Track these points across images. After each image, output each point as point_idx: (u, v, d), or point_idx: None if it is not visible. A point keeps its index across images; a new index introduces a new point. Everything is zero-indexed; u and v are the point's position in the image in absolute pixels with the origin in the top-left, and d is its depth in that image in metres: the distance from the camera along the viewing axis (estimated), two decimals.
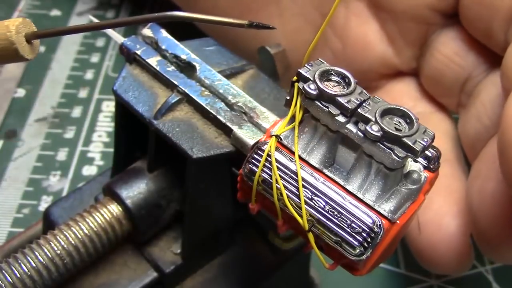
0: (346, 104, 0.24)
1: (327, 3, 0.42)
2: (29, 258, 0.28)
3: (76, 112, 0.51)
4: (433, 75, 0.40)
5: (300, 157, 0.25)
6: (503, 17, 0.34)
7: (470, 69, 0.38)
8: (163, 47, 0.31)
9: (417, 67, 0.42)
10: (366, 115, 0.24)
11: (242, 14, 0.45)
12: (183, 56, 0.31)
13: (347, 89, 0.25)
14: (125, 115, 0.31)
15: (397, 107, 0.24)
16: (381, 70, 0.42)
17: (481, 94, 0.37)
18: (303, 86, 0.24)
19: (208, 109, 0.29)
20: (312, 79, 0.25)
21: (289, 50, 0.34)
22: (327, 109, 0.24)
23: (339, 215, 0.24)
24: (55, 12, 0.59)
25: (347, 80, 0.25)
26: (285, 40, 0.43)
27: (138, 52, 0.31)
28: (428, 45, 0.40)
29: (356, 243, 0.24)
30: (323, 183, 0.25)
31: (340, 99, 0.24)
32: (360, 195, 0.25)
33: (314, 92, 0.24)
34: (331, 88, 0.25)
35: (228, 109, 0.29)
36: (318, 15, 0.43)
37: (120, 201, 0.30)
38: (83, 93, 0.52)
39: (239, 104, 0.29)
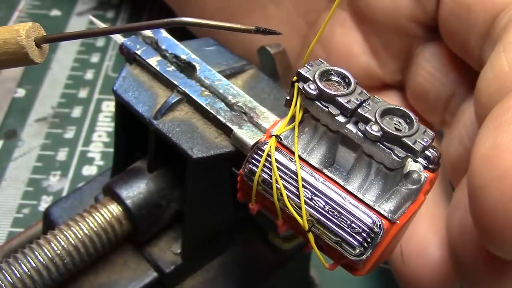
0: (346, 104, 0.24)
1: (312, 12, 0.42)
2: (29, 258, 0.28)
3: (76, 112, 0.51)
4: (418, 90, 0.39)
5: (300, 157, 0.25)
6: (478, 32, 0.33)
7: (454, 87, 0.37)
8: (163, 47, 0.31)
9: (402, 79, 0.41)
10: (366, 115, 0.24)
11: (228, 19, 0.45)
12: (183, 56, 0.31)
13: (347, 89, 0.25)
14: (125, 115, 0.31)
15: (397, 107, 0.24)
16: (365, 82, 0.41)
17: (464, 114, 0.36)
18: (303, 86, 0.24)
19: (208, 109, 0.29)
20: (312, 79, 0.25)
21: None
22: (327, 109, 0.24)
23: (339, 215, 0.24)
24: (55, 12, 0.59)
25: (347, 80, 0.25)
26: None
27: (138, 52, 0.31)
28: (413, 59, 0.39)
29: (356, 243, 0.24)
30: (323, 183, 0.25)
31: (340, 99, 0.24)
32: (360, 195, 0.25)
33: (314, 92, 0.24)
34: (331, 88, 0.25)
35: (228, 109, 0.29)
36: (304, 24, 0.43)
37: (120, 201, 0.30)
38: (83, 93, 0.52)
39: (239, 104, 0.29)
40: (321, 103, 0.24)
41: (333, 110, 0.24)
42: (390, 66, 0.41)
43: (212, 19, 0.48)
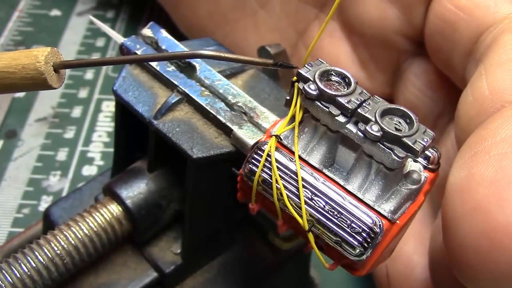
0: (346, 104, 0.24)
1: (302, 21, 0.42)
2: (29, 258, 0.28)
3: (76, 112, 0.51)
4: (406, 106, 0.39)
5: (300, 157, 0.25)
6: (462, 50, 0.32)
7: (442, 105, 0.37)
8: (163, 47, 0.31)
9: (391, 93, 0.41)
10: (366, 115, 0.24)
11: (219, 25, 0.45)
12: None
13: (347, 89, 0.25)
14: (125, 115, 0.31)
15: (397, 107, 0.24)
16: None
17: (451, 133, 0.35)
18: (304, 87, 0.24)
19: (208, 109, 0.29)
20: (312, 79, 0.25)
21: None
22: (328, 109, 0.24)
23: (339, 215, 0.24)
24: (55, 12, 0.59)
25: (347, 80, 0.25)
26: None
27: (138, 52, 0.31)
28: (401, 73, 0.39)
29: (356, 243, 0.24)
30: (323, 183, 0.25)
31: (340, 99, 0.24)
32: (360, 195, 0.25)
33: (314, 93, 0.24)
34: (331, 88, 0.25)
35: (228, 109, 0.29)
36: (293, 32, 0.43)
37: (120, 201, 0.30)
38: (83, 93, 0.52)
39: (239, 104, 0.29)
40: (321, 103, 0.24)
41: (334, 110, 0.24)
42: (379, 79, 0.40)
43: (203, 24, 0.48)
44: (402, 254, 0.34)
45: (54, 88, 0.25)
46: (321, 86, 0.24)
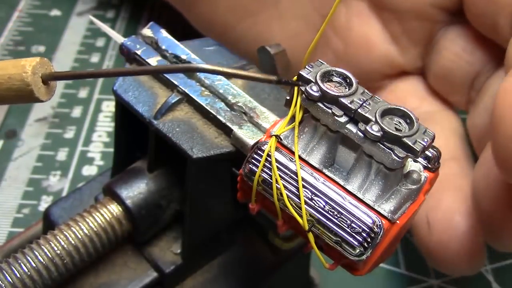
0: (349, 105, 0.24)
1: (327, 4, 0.42)
2: (29, 258, 0.28)
3: (76, 112, 0.51)
4: (441, 73, 0.40)
5: (300, 157, 0.25)
6: (508, 12, 0.34)
7: (479, 65, 0.38)
8: (163, 47, 0.31)
9: (423, 66, 0.42)
10: (366, 115, 0.24)
11: (241, 18, 0.45)
12: (183, 56, 0.31)
13: (349, 89, 0.25)
14: (125, 115, 0.31)
15: (397, 107, 0.24)
16: (384, 70, 0.42)
17: (490, 88, 0.37)
18: (306, 88, 0.24)
19: (208, 109, 0.29)
20: (314, 80, 0.25)
21: (289, 52, 0.34)
22: (331, 111, 0.24)
23: (339, 215, 0.24)
24: (55, 12, 0.59)
25: (348, 81, 0.25)
26: (286, 42, 0.43)
27: (138, 52, 0.31)
28: (434, 43, 0.40)
29: (356, 243, 0.24)
30: (323, 183, 0.25)
31: (343, 99, 0.24)
32: (360, 195, 0.25)
33: (316, 94, 0.24)
34: (333, 89, 0.25)
35: (228, 109, 0.29)
36: (318, 17, 0.43)
37: (120, 201, 0.30)
38: (83, 93, 0.52)
39: (239, 104, 0.29)
40: (324, 105, 0.24)
41: (337, 111, 0.24)
42: (411, 52, 0.41)
43: (224, 19, 0.48)
44: (441, 203, 0.34)
45: (42, 101, 0.23)
46: (323, 87, 0.24)
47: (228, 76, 0.24)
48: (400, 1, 0.39)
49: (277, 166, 0.25)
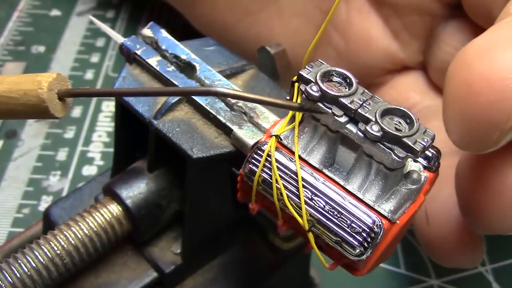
0: (349, 105, 0.24)
1: (327, 0, 0.42)
2: (29, 258, 0.28)
3: (76, 112, 0.51)
4: (442, 67, 0.40)
5: (300, 157, 0.25)
6: (502, 2, 0.33)
7: None
8: (163, 47, 0.31)
9: (423, 60, 0.42)
10: (366, 115, 0.24)
11: (241, 17, 0.45)
12: (183, 56, 0.31)
13: (349, 89, 0.25)
14: (125, 115, 0.31)
15: (397, 107, 0.24)
16: (386, 66, 0.42)
17: None
18: (305, 88, 0.24)
19: (208, 109, 0.29)
20: (314, 80, 0.25)
21: (290, 50, 0.34)
22: (331, 110, 0.24)
23: (339, 215, 0.24)
24: (55, 12, 0.59)
25: (348, 81, 0.25)
26: (287, 40, 0.43)
27: (138, 52, 0.31)
28: (434, 37, 0.40)
29: (356, 243, 0.24)
30: (323, 183, 0.25)
31: (343, 99, 0.24)
32: (360, 195, 0.25)
33: (316, 94, 0.24)
34: (333, 89, 0.25)
35: (228, 109, 0.29)
36: (319, 13, 0.43)
37: (120, 201, 0.30)
38: None
39: (239, 104, 0.29)
40: (324, 105, 0.24)
41: (337, 111, 0.24)
42: (412, 47, 0.41)
43: (224, 19, 0.48)
44: (440, 195, 0.34)
45: (57, 118, 0.23)
46: (323, 87, 0.24)
47: (249, 101, 0.24)
48: None
49: (277, 166, 0.25)
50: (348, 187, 0.25)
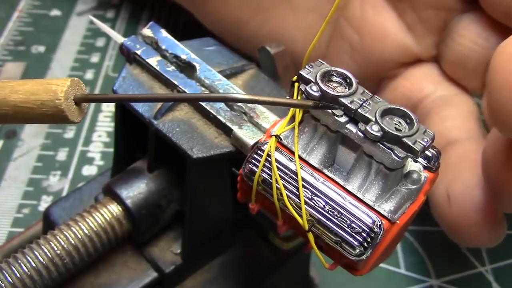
0: (349, 105, 0.24)
1: None
2: (29, 258, 0.28)
3: None
4: (456, 59, 0.40)
5: (300, 157, 0.25)
6: None
7: (494, 50, 0.39)
8: (163, 47, 0.31)
9: (437, 53, 0.42)
10: (366, 115, 0.24)
11: (254, 13, 0.45)
12: (183, 56, 0.31)
13: (348, 89, 0.25)
14: (125, 115, 0.31)
15: (397, 107, 0.24)
16: (400, 59, 0.42)
17: None
18: (305, 88, 0.24)
19: (208, 109, 0.29)
20: (314, 80, 0.25)
21: (303, 46, 0.34)
22: (331, 111, 0.24)
23: (339, 215, 0.24)
24: (55, 12, 0.59)
25: (348, 81, 0.25)
26: (300, 37, 0.42)
27: (138, 52, 0.31)
28: (448, 30, 0.40)
29: (356, 243, 0.24)
30: (323, 183, 0.25)
31: (343, 99, 0.24)
32: (360, 195, 0.25)
33: (316, 94, 0.24)
34: (333, 89, 0.25)
35: (228, 109, 0.29)
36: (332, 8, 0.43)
37: (120, 201, 0.30)
38: None
39: (239, 104, 0.29)
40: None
41: (337, 111, 0.24)
42: (426, 41, 0.41)
43: (236, 16, 0.48)
44: (461, 177, 0.35)
45: (75, 123, 0.23)
46: (323, 88, 0.24)
47: (265, 104, 0.24)
48: None
49: (277, 166, 0.25)
50: (348, 187, 0.25)
